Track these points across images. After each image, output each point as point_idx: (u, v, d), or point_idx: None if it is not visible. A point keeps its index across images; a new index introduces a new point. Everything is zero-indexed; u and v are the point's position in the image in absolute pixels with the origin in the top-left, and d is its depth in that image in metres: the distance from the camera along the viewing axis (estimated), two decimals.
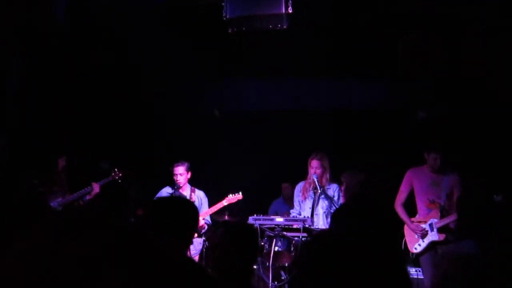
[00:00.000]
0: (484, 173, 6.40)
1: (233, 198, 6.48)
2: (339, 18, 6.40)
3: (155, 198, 6.15)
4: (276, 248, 5.47)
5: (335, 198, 5.76)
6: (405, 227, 5.69)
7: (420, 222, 5.60)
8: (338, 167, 5.99)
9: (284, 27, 5.36)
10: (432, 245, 5.47)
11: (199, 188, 6.49)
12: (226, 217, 6.62)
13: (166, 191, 6.29)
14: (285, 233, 5.38)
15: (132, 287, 0.72)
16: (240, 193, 6.51)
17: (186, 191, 6.35)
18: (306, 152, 6.10)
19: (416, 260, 5.66)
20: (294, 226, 5.37)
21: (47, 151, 6.26)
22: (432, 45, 7.20)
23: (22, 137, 6.45)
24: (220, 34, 5.80)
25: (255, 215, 5.55)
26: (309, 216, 5.61)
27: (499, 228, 3.05)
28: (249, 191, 6.76)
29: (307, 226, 5.31)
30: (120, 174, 6.37)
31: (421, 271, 5.75)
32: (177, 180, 6.21)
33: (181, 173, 6.23)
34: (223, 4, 5.26)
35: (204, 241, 6.21)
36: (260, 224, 5.37)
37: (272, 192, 8.28)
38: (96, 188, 6.04)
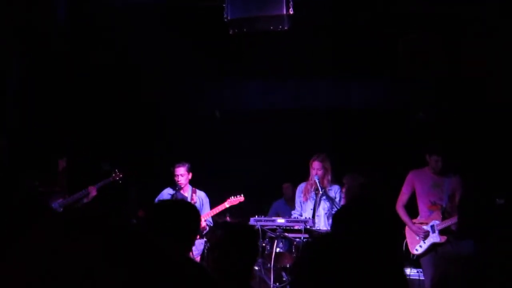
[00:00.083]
0: (485, 174, 6.41)
1: (234, 200, 6.47)
2: (339, 18, 6.40)
3: (157, 201, 6.18)
4: (278, 249, 5.48)
5: (337, 200, 5.77)
6: (406, 228, 5.69)
7: (421, 223, 5.60)
8: (338, 167, 6.01)
9: (285, 28, 5.36)
10: (433, 246, 5.48)
11: (200, 189, 6.48)
12: (228, 218, 6.63)
13: (167, 192, 6.28)
14: (286, 234, 5.38)
15: (132, 287, 0.72)
16: (242, 195, 6.50)
17: (187, 192, 6.34)
18: (307, 152, 6.10)
19: (417, 261, 5.66)
20: (296, 227, 5.38)
21: (48, 152, 6.25)
22: (432, 45, 7.20)
23: (22, 137, 6.44)
24: (220, 35, 5.80)
25: (256, 216, 5.55)
26: (311, 217, 5.61)
27: (499, 230, 3.07)
28: (250, 192, 6.76)
29: (308, 227, 5.31)
30: (121, 175, 6.35)
31: (422, 272, 5.77)
32: (178, 181, 6.20)
33: (182, 173, 6.21)
34: (224, 5, 5.25)
35: (205, 242, 6.21)
36: (261, 225, 5.37)
37: (272, 192, 8.28)
38: (92, 191, 6.02)
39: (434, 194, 5.56)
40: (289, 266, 5.34)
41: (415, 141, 7.00)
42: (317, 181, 5.73)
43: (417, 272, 5.91)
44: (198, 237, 5.73)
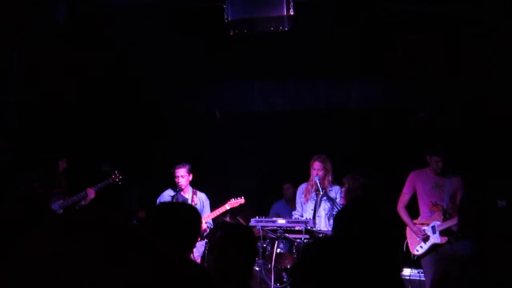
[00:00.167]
0: (486, 175, 6.41)
1: (235, 202, 6.46)
2: (339, 18, 6.40)
3: (158, 203, 6.18)
4: (278, 250, 5.49)
5: (337, 200, 5.77)
6: (407, 229, 5.70)
7: (422, 224, 5.61)
8: (339, 168, 6.01)
9: (286, 29, 5.36)
10: (434, 247, 5.49)
11: (201, 190, 6.47)
12: (228, 219, 6.63)
13: (167, 193, 6.26)
14: (287, 235, 5.39)
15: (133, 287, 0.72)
16: (243, 197, 6.50)
17: (188, 194, 6.34)
18: (307, 153, 6.11)
19: (417, 261, 5.67)
20: (296, 228, 5.38)
21: (48, 153, 6.25)
22: (432, 45, 7.19)
23: (23, 139, 6.44)
24: (221, 35, 5.79)
25: (257, 217, 5.55)
26: (311, 218, 5.61)
27: (499, 230, 3.06)
28: (250, 192, 6.76)
29: (309, 228, 5.31)
30: (120, 177, 6.33)
31: (422, 272, 5.78)
32: (178, 183, 6.19)
33: (183, 175, 6.20)
34: (224, 6, 5.25)
35: (206, 243, 6.21)
36: (262, 226, 5.38)
37: (273, 193, 8.28)
38: (91, 193, 6.00)
39: (435, 195, 5.57)
40: (290, 266, 5.35)
41: (415, 141, 7.01)
42: (317, 181, 5.74)
43: (418, 272, 5.92)
44: (199, 239, 5.72)
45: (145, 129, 8.40)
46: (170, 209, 2.76)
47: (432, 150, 5.61)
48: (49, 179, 6.06)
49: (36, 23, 6.17)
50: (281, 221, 5.53)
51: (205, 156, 7.97)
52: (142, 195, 7.94)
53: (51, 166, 6.14)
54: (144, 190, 7.76)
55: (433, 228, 5.51)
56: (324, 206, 5.80)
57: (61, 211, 5.80)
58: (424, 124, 7.78)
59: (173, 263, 0.79)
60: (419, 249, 5.59)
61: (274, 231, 5.40)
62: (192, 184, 6.41)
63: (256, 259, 5.45)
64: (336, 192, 5.85)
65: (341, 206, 5.58)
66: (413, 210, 5.77)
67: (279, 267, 5.45)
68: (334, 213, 5.57)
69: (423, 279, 5.75)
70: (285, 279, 5.41)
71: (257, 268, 5.51)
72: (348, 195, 5.44)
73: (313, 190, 5.88)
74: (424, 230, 5.55)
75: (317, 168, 5.82)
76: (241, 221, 7.20)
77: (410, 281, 5.86)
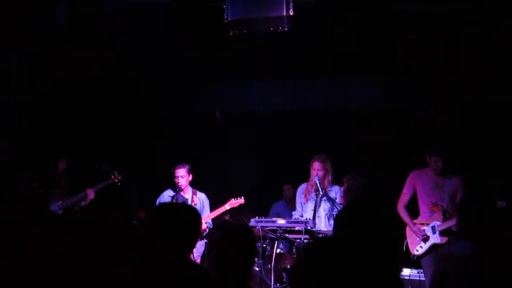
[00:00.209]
0: (486, 175, 6.41)
1: (235, 202, 6.46)
2: (339, 18, 6.40)
3: (158, 204, 6.17)
4: (278, 250, 5.48)
5: (337, 200, 5.77)
6: (407, 229, 5.69)
7: (422, 224, 5.60)
8: (338, 168, 6.01)
9: (285, 29, 5.36)
10: (434, 247, 5.49)
11: (201, 190, 6.47)
12: (227, 218, 6.63)
13: (167, 194, 6.26)
14: (287, 235, 5.39)
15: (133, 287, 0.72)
16: (242, 197, 6.50)
17: (187, 194, 6.33)
18: (307, 153, 6.11)
19: (417, 261, 5.67)
20: (296, 228, 5.38)
21: (48, 153, 6.25)
22: (432, 45, 7.20)
23: (23, 139, 6.44)
24: (220, 35, 5.79)
25: (257, 217, 5.55)
26: (311, 218, 5.61)
27: (498, 231, 3.06)
28: (250, 193, 6.76)
29: (309, 228, 5.31)
30: (119, 177, 6.33)
31: (422, 272, 5.78)
32: (178, 183, 6.18)
33: (182, 175, 6.20)
34: (224, 6, 5.25)
35: (206, 243, 6.21)
36: (262, 226, 5.38)
37: (272, 194, 8.28)
38: (90, 194, 6.00)
39: (435, 195, 5.57)
40: (290, 266, 5.34)
41: (415, 141, 7.01)
42: (317, 182, 5.74)
43: (418, 272, 5.92)
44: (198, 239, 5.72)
45: (145, 129, 8.40)
46: (170, 210, 2.76)
47: (432, 150, 5.61)
48: (49, 179, 6.06)
49: (36, 23, 6.17)
50: (281, 221, 5.52)
51: (205, 156, 7.97)
52: (142, 195, 7.94)
53: (51, 166, 6.13)
54: (144, 190, 7.76)
55: (433, 228, 5.51)
56: (324, 206, 5.80)
57: (61, 211, 5.80)
58: (424, 124, 7.78)
59: (173, 263, 0.80)
60: (419, 249, 5.58)
61: (274, 231, 5.40)
62: (192, 184, 6.41)
63: (256, 259, 5.47)
64: (336, 192, 5.85)
65: (340, 205, 5.58)
66: (413, 210, 5.77)
67: (279, 267, 5.44)
68: (334, 213, 5.58)
69: (423, 279, 5.75)
70: (285, 279, 5.40)
71: (257, 268, 5.51)
72: (347, 195, 5.45)
73: (313, 190, 5.88)
74: (424, 230, 5.54)
75: (317, 168, 5.81)
76: (245, 221, 7.20)
77: (410, 281, 5.86)
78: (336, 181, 5.89)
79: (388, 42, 7.12)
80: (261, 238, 5.47)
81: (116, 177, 6.31)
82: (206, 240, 6.21)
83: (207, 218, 6.25)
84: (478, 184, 5.82)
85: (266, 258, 5.54)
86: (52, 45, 6.39)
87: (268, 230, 5.42)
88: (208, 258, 6.06)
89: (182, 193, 6.24)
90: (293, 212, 6.17)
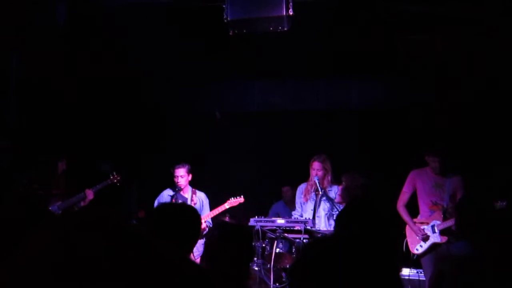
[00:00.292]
0: (486, 175, 6.41)
1: (234, 201, 6.45)
2: (339, 18, 6.40)
3: (157, 202, 6.18)
4: (278, 250, 5.49)
5: (337, 200, 5.77)
6: (407, 228, 5.70)
7: (422, 223, 5.61)
8: (338, 168, 6.01)
9: (285, 29, 5.36)
10: (433, 247, 5.49)
11: (200, 190, 6.47)
12: (227, 219, 6.62)
13: (167, 193, 6.26)
14: (286, 235, 5.38)
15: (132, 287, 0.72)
16: (242, 196, 6.50)
17: (187, 193, 6.33)
18: (307, 153, 6.11)
19: (417, 261, 5.67)
20: (296, 228, 5.38)
21: (47, 154, 6.25)
22: (432, 45, 7.20)
23: (23, 139, 6.44)
24: (220, 35, 5.79)
25: (256, 216, 5.55)
26: (311, 218, 5.61)
27: (498, 231, 3.06)
28: (250, 193, 6.76)
29: (308, 228, 5.31)
30: (118, 178, 6.33)
31: (421, 272, 5.78)
32: (178, 182, 6.18)
33: (182, 175, 6.20)
34: (224, 6, 5.25)
35: (205, 242, 6.19)
36: (261, 226, 5.38)
37: (272, 193, 8.28)
38: (89, 195, 6.00)
39: (435, 194, 5.57)
40: (289, 266, 5.34)
41: (415, 141, 7.01)
42: (317, 181, 5.73)
43: (417, 272, 5.92)
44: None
45: (145, 129, 8.40)
46: (170, 210, 2.76)
47: (430, 150, 5.61)
48: (48, 180, 6.07)
49: (36, 23, 6.17)
50: (280, 221, 5.52)
51: (205, 156, 7.97)
52: (142, 195, 7.94)
53: (50, 167, 6.14)
54: (144, 190, 7.76)
55: (432, 227, 5.51)
56: (324, 206, 5.80)
57: (60, 212, 5.80)
58: (424, 124, 7.77)
59: (173, 263, 0.80)
60: (418, 248, 5.59)
61: (273, 231, 5.40)
62: (192, 184, 6.41)
63: (255, 259, 5.47)
64: (335, 192, 5.84)
65: (338, 205, 5.58)
66: (413, 209, 5.77)
67: (278, 267, 5.44)
68: (334, 213, 5.58)
69: (423, 279, 5.74)
70: (284, 279, 5.40)
71: (256, 268, 5.51)
72: (346, 194, 5.46)
73: (312, 190, 5.87)
74: (423, 230, 5.55)
75: (316, 168, 5.81)
76: (244, 220, 7.19)
77: (410, 281, 5.86)
78: (336, 181, 5.89)
79: (388, 42, 7.11)
80: (261, 237, 5.46)
81: (115, 178, 6.31)
82: (205, 240, 6.20)
83: (206, 217, 6.25)
84: (478, 184, 5.81)
85: (266, 258, 5.54)
86: (52, 45, 6.39)
87: (268, 229, 5.42)
88: (205, 258, 6.06)
89: (181, 192, 6.24)
90: (293, 212, 6.17)
